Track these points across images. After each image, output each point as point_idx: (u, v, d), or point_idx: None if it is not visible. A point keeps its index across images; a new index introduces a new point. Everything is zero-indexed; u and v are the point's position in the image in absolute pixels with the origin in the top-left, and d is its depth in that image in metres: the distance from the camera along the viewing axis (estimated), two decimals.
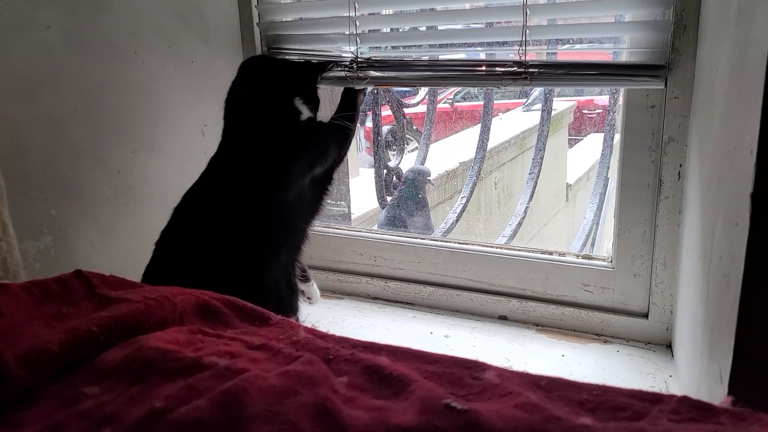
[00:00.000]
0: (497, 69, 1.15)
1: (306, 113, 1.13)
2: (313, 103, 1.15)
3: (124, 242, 1.27)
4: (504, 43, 1.19)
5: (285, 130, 1.09)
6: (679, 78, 1.04)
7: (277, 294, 1.03)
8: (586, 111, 5.32)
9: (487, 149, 3.57)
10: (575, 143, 5.08)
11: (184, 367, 0.53)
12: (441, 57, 1.27)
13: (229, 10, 1.41)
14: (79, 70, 1.15)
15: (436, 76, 1.22)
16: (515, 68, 1.12)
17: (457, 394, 0.58)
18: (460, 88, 5.69)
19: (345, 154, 1.21)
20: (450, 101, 5.70)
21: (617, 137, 1.21)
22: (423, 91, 2.14)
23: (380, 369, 0.61)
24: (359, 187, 2.96)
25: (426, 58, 1.25)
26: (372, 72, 1.25)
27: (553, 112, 4.53)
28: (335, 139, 1.17)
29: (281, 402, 0.49)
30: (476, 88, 5.24)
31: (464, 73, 1.19)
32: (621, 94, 1.16)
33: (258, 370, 0.54)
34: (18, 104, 1.07)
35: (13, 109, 1.06)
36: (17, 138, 1.07)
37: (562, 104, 4.73)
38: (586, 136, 5.28)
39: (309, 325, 1.08)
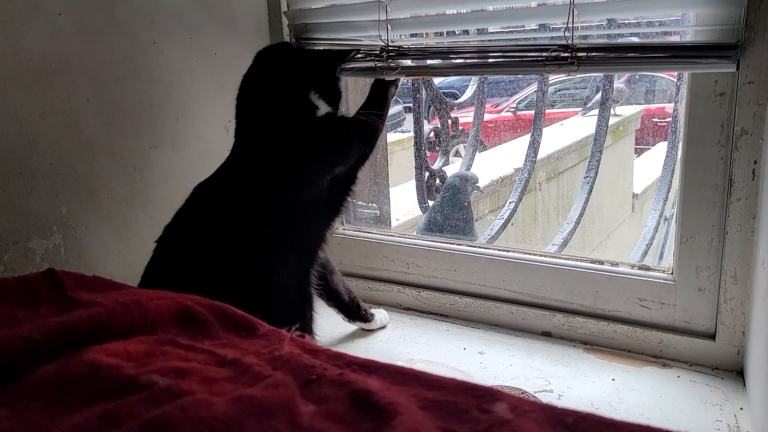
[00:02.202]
0: (541, 54, 1.02)
1: (324, 108, 1.03)
2: (332, 97, 1.05)
3: (140, 243, 1.19)
4: (552, 29, 1.06)
5: (297, 128, 0.99)
6: (754, 59, 0.89)
7: (284, 301, 0.93)
8: (656, 119, 5.07)
9: (547, 155, 3.41)
10: (643, 152, 4.83)
11: (115, 386, 0.44)
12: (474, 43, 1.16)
13: None
14: (92, 59, 1.09)
15: (472, 64, 1.10)
16: (561, 52, 0.99)
17: None
18: (523, 97, 5.56)
19: (370, 152, 1.10)
20: (513, 110, 5.57)
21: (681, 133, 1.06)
22: (470, 91, 2.02)
23: (367, 395, 0.50)
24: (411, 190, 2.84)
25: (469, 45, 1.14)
26: (403, 61, 1.14)
27: (618, 118, 4.31)
28: (359, 135, 1.07)
29: None
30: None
31: (503, 60, 1.06)
32: (684, 82, 1.01)
33: (206, 394, 0.44)
34: (27, 94, 1.01)
35: (22, 100, 1.01)
36: (26, 130, 1.02)
37: (628, 110, 4.51)
38: (654, 145, 5.02)
39: (311, 337, 0.98)
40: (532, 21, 1.07)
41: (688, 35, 0.98)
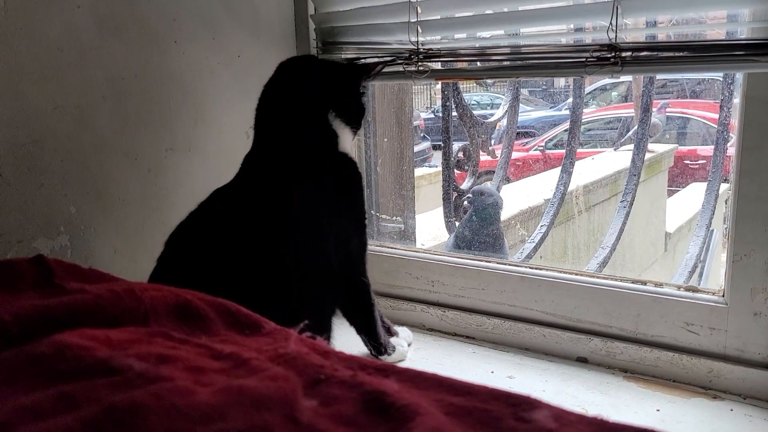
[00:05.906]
0: (581, 55, 0.95)
1: (344, 134, 0.98)
2: (355, 114, 1.00)
3: (151, 248, 1.12)
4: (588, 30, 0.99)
5: (314, 155, 0.95)
6: None
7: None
8: (688, 161, 4.98)
9: (577, 187, 3.33)
10: (675, 193, 4.74)
11: (82, 368, 0.37)
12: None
13: (282, 0, 1.29)
14: (110, 55, 1.05)
15: (508, 66, 1.04)
16: (603, 53, 0.93)
17: None
18: (551, 136, 5.53)
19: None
20: (541, 148, 5.53)
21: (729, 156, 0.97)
22: (501, 110, 1.95)
23: (382, 396, 0.43)
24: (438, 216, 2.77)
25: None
26: (433, 65, 1.08)
27: (651, 155, 4.22)
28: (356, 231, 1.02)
29: (192, 429, 0.31)
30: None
31: (541, 62, 1.00)
32: (739, 85, 0.93)
33: (189, 382, 0.37)
34: (40, 87, 0.97)
35: (35, 92, 0.97)
36: (37, 124, 0.97)
37: (661, 147, 4.43)
38: (686, 186, 4.93)
39: (327, 341, 0.90)
40: (573, 21, 1.01)
41: (743, 33, 0.91)
